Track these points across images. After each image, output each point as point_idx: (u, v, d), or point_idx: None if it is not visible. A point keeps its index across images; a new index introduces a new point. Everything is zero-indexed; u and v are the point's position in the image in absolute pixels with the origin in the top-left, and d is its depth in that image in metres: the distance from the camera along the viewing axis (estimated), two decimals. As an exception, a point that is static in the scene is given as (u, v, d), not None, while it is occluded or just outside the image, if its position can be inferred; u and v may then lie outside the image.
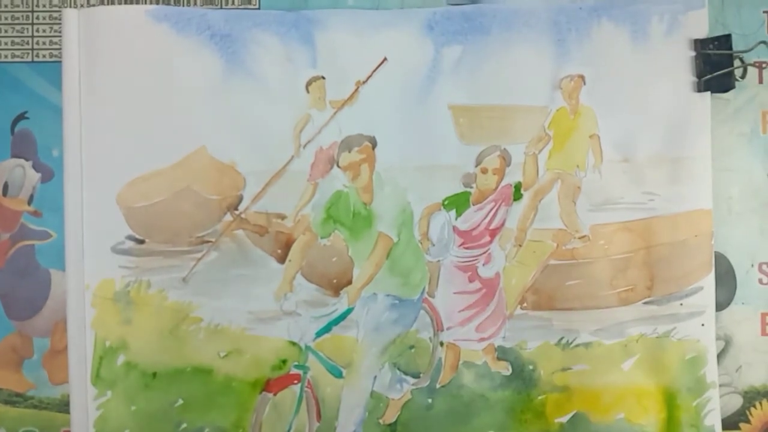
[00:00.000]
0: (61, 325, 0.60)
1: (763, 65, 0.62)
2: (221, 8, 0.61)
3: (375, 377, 0.60)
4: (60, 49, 0.59)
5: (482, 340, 0.60)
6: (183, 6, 0.61)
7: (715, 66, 0.59)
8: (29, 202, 0.61)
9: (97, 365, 0.58)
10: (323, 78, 0.59)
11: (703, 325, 0.60)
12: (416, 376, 0.60)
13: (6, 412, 0.60)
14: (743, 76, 0.61)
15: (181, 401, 0.58)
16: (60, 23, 0.60)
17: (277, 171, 0.59)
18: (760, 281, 0.62)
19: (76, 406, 0.58)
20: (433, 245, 0.60)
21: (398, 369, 0.60)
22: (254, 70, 0.59)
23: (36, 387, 0.60)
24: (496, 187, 0.60)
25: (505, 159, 0.60)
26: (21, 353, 0.60)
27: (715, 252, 0.60)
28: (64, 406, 0.59)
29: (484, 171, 0.60)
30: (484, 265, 0.60)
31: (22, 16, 0.61)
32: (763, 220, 0.62)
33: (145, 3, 0.60)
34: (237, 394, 0.59)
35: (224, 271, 0.59)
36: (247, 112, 0.59)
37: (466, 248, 0.60)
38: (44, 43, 0.61)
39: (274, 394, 0.59)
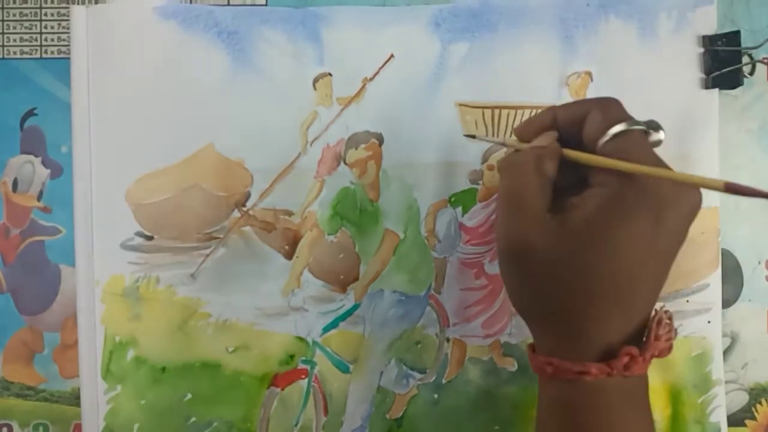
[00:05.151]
0: (71, 320, 0.60)
1: (772, 61, 0.61)
2: (229, 5, 0.61)
3: (381, 372, 0.60)
4: (68, 45, 0.60)
5: (488, 336, 0.60)
6: (190, 3, 0.61)
7: (724, 63, 0.59)
8: (39, 198, 0.61)
9: (107, 360, 0.58)
10: (330, 75, 0.59)
11: (709, 322, 0.60)
12: (422, 371, 0.60)
13: (18, 405, 0.61)
14: (752, 73, 0.60)
15: (189, 395, 0.59)
16: (68, 20, 0.60)
17: (285, 168, 0.59)
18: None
19: (86, 400, 0.58)
20: (440, 242, 0.60)
21: (405, 364, 0.60)
22: (261, 68, 0.59)
23: (47, 381, 0.61)
24: (503, 184, 0.60)
25: (512, 156, 0.60)
26: (32, 347, 0.61)
27: (722, 249, 0.60)
28: (74, 399, 0.60)
29: (491, 168, 0.60)
30: (490, 261, 0.60)
31: (31, 12, 0.62)
32: (770, 217, 0.61)
33: None
34: (245, 389, 0.59)
35: (232, 267, 0.59)
36: (255, 109, 0.59)
37: (473, 245, 0.60)
38: (52, 40, 0.62)
39: (282, 389, 0.59)
